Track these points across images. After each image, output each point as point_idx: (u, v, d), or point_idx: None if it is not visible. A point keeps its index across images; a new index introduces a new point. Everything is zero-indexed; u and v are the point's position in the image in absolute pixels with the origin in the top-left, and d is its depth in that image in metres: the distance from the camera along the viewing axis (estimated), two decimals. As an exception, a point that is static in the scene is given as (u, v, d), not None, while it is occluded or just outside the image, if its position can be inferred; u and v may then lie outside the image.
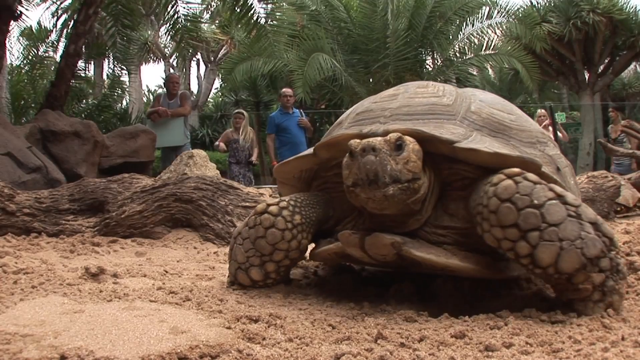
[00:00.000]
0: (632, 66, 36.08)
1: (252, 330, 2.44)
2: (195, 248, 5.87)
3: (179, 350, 2.10)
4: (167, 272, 4.19)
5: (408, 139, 3.07)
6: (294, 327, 2.60)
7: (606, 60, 31.95)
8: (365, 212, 3.30)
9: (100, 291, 3.21)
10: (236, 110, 14.36)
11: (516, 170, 2.97)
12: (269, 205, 3.60)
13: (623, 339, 2.34)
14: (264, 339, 2.38)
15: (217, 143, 14.04)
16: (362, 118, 3.70)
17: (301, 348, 2.31)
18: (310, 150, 3.82)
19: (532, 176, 2.93)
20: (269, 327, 2.59)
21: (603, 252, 2.77)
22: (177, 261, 5.00)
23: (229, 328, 2.48)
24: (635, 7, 30.02)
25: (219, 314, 2.78)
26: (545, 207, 2.80)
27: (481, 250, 3.20)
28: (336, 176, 3.60)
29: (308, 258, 4.06)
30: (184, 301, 3.06)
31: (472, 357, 2.25)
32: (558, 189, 2.90)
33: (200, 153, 10.03)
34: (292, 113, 13.96)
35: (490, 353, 2.27)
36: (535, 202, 2.82)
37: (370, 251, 3.20)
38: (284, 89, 14.80)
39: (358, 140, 3.04)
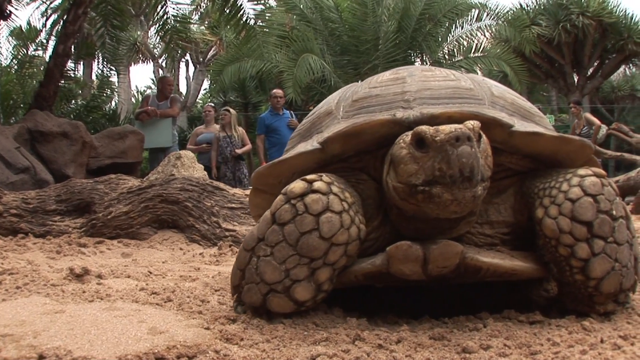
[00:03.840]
0: (621, 69, 36.24)
1: (230, 331, 2.43)
2: (181, 249, 5.88)
3: (156, 351, 2.10)
4: (151, 273, 4.17)
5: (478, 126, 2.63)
6: (273, 328, 2.55)
7: (595, 63, 32.21)
8: (408, 217, 2.79)
9: (84, 292, 3.21)
10: (223, 108, 14.32)
11: (602, 172, 2.79)
12: (309, 182, 2.73)
13: (602, 341, 2.35)
14: (241, 339, 2.38)
15: (190, 146, 13.77)
16: (368, 104, 3.15)
17: (278, 349, 2.30)
18: (314, 144, 3.07)
19: (614, 185, 2.77)
20: (247, 327, 2.56)
21: (635, 283, 2.79)
22: (163, 262, 5.00)
23: (207, 329, 2.48)
24: (625, 11, 30.29)
25: (199, 314, 2.77)
26: (618, 223, 2.69)
27: (520, 248, 3.00)
28: (346, 170, 3.07)
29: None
30: (165, 302, 3.04)
31: (449, 359, 2.26)
32: (627, 209, 2.79)
33: (187, 154, 10.09)
34: (282, 114, 13.87)
35: (467, 355, 2.28)
36: (614, 212, 2.68)
37: (434, 264, 2.70)
38: (274, 90, 14.75)
39: (431, 128, 2.54)
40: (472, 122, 2.56)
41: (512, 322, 2.73)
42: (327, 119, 3.27)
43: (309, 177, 2.75)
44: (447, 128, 2.47)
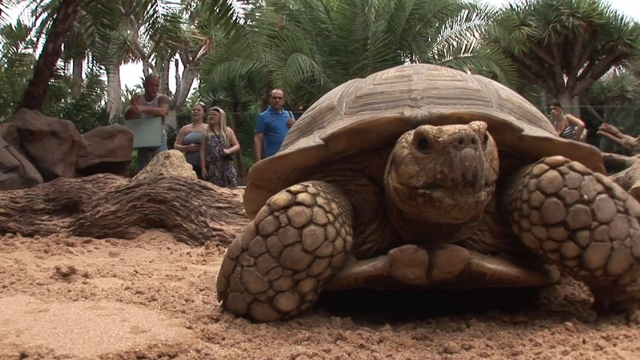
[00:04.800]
0: (611, 70, 36.30)
1: (212, 330, 2.44)
2: (168, 248, 5.90)
3: (137, 350, 2.10)
4: (137, 272, 4.17)
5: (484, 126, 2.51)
6: (255, 327, 2.55)
7: (585, 64, 32.22)
8: (408, 219, 2.72)
9: (69, 291, 3.21)
10: (212, 108, 14.33)
11: (560, 158, 2.66)
12: (293, 193, 2.67)
13: (584, 342, 2.34)
14: (223, 338, 2.38)
15: (177, 145, 13.62)
16: (373, 101, 3.07)
17: (259, 348, 2.31)
18: (316, 139, 3.00)
19: (578, 165, 2.64)
20: (230, 326, 2.57)
21: None
22: (150, 261, 5.00)
23: (189, 328, 2.48)
24: (615, 12, 30.36)
25: (182, 314, 2.77)
26: (596, 203, 2.55)
27: (519, 255, 2.89)
28: (347, 170, 3.04)
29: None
30: (149, 301, 3.04)
31: (430, 359, 2.26)
32: (606, 179, 2.66)
33: (176, 154, 10.10)
34: (282, 114, 13.93)
35: (448, 355, 2.29)
36: (585, 197, 2.55)
37: (439, 269, 2.65)
38: (274, 90, 14.92)
39: (434, 127, 2.45)
40: (477, 123, 2.47)
41: (496, 322, 2.74)
42: (329, 114, 3.19)
43: (293, 188, 2.71)
44: (450, 129, 2.39)
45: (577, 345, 2.30)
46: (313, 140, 3.02)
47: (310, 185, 2.73)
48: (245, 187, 3.85)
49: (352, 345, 2.37)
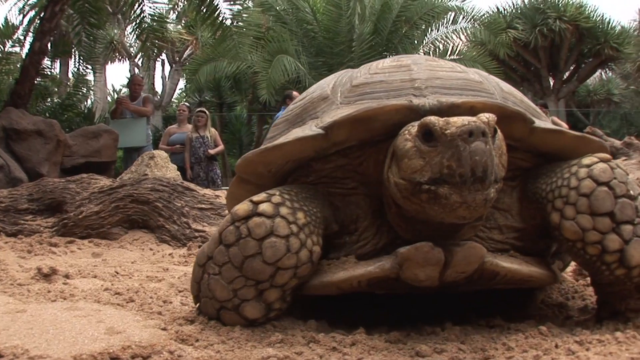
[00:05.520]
0: (597, 73, 36.46)
1: (186, 332, 2.45)
2: (151, 249, 5.91)
3: (111, 351, 2.11)
4: (118, 273, 4.19)
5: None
6: (229, 329, 2.53)
7: (572, 67, 32.34)
8: (407, 217, 2.57)
9: (49, 291, 3.24)
10: (198, 109, 14.34)
11: (606, 155, 2.61)
12: (255, 203, 2.56)
13: (557, 346, 2.32)
14: (197, 340, 2.40)
15: (162, 145, 13.57)
16: (372, 90, 2.88)
17: (232, 350, 2.32)
18: (314, 128, 2.76)
19: (621, 164, 2.59)
20: (205, 328, 2.56)
21: None
22: (132, 262, 5.02)
23: (164, 329, 2.49)
24: (602, 16, 30.57)
25: (158, 315, 2.79)
26: (638, 201, 2.52)
27: (528, 253, 2.82)
28: (339, 170, 2.85)
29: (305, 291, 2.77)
30: (127, 302, 3.05)
31: (400, 362, 2.24)
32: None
33: (161, 154, 10.11)
34: None
35: (420, 359, 2.28)
36: (631, 192, 2.51)
37: (454, 268, 2.51)
38: (293, 92, 14.73)
39: (440, 119, 2.30)
40: (486, 115, 2.31)
41: (472, 326, 2.71)
42: (322, 103, 2.98)
43: (256, 197, 2.60)
44: (459, 120, 2.24)
45: (550, 350, 2.29)
46: (310, 129, 2.78)
47: (277, 193, 2.61)
48: (226, 188, 3.71)
49: (324, 348, 2.35)
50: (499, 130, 2.38)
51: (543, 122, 2.86)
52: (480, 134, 2.18)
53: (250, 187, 3.02)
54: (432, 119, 2.30)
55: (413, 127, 2.43)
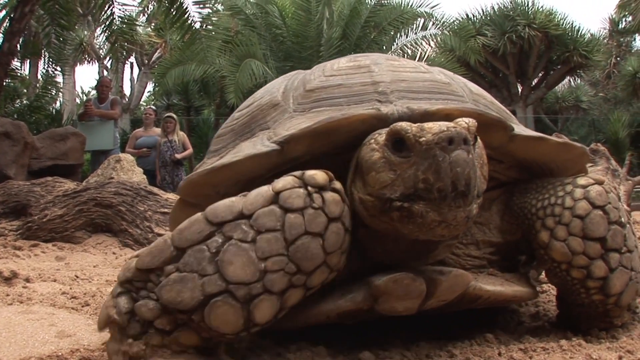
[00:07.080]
0: (565, 80, 36.79)
1: None
2: (114, 253, 5.96)
3: (59, 354, 2.16)
4: (77, 277, 4.23)
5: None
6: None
7: (540, 74, 32.57)
8: (378, 236, 2.23)
9: (7, 295, 3.29)
10: (167, 115, 14.29)
11: (600, 177, 2.51)
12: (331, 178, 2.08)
13: (500, 354, 2.31)
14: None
15: (129, 149, 13.34)
16: (330, 96, 2.56)
17: None
18: (267, 143, 2.36)
19: (613, 189, 2.51)
20: None
21: None
22: (94, 266, 5.06)
23: None
24: (572, 23, 30.85)
25: None
26: (627, 229, 2.45)
27: (506, 269, 2.68)
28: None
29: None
30: (82, 306, 3.10)
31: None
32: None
33: (127, 157, 10.10)
34: None
35: None
36: (622, 219, 2.43)
37: (437, 298, 2.27)
38: None
39: (413, 125, 2.00)
40: (465, 119, 2.06)
41: (423, 333, 2.64)
42: (272, 111, 2.64)
43: (295, 172, 2.10)
44: (435, 126, 1.94)
45: (492, 357, 2.28)
46: (262, 144, 2.39)
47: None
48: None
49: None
50: (478, 138, 2.12)
51: (522, 127, 2.72)
52: (462, 141, 1.90)
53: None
54: (404, 124, 2.01)
55: (380, 135, 2.13)
